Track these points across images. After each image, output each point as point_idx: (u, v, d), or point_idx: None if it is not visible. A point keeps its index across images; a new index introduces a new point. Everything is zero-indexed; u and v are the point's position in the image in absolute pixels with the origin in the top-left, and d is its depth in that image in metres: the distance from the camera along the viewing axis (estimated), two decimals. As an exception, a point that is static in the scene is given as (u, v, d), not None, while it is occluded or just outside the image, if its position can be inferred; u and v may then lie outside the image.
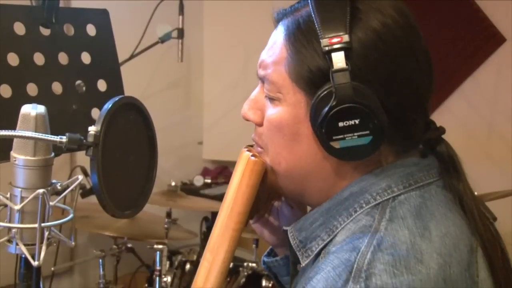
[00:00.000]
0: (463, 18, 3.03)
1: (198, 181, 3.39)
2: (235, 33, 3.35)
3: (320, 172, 0.86)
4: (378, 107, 0.78)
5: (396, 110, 0.81)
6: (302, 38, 0.83)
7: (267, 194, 1.03)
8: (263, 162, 0.91)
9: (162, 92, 3.30)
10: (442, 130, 0.90)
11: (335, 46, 0.78)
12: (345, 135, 0.79)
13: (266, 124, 0.89)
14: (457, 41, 3.05)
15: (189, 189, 3.23)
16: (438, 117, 3.26)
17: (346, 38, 0.78)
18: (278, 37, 0.87)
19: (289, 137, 0.86)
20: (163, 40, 2.70)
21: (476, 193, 1.50)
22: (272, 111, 0.87)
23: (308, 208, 1.04)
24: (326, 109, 0.78)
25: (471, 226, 0.85)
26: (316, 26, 0.80)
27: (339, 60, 0.78)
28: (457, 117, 3.05)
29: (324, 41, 0.79)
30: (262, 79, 0.89)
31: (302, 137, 0.85)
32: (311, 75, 0.81)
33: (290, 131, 0.86)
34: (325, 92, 0.79)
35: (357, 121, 0.78)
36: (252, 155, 0.92)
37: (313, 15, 0.81)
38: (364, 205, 0.82)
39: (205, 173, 3.52)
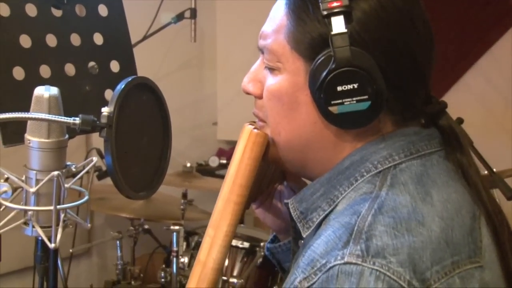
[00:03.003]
0: (480, -7, 2.98)
1: (213, 161, 3.39)
2: (248, 12, 3.31)
3: (319, 141, 0.86)
4: (377, 73, 0.78)
5: (395, 78, 0.81)
6: (302, 4, 0.83)
7: (269, 178, 1.03)
8: (265, 134, 0.91)
9: (176, 73, 3.28)
10: (443, 104, 0.89)
11: (335, 10, 0.79)
12: (343, 100, 0.79)
13: (266, 94, 0.89)
14: (473, 16, 3.00)
15: (204, 169, 3.23)
16: (455, 93, 3.21)
17: (345, 1, 0.78)
18: (279, 7, 0.87)
19: (288, 106, 0.86)
20: (175, 21, 2.69)
21: (494, 169, 1.49)
22: (272, 81, 0.88)
23: None
24: (325, 72, 0.79)
25: (473, 196, 0.85)
26: None
27: (338, 23, 0.78)
28: (474, 93, 3.02)
29: (324, 5, 0.79)
30: (262, 50, 0.90)
31: (301, 105, 0.85)
32: (311, 41, 0.82)
33: (289, 99, 0.86)
34: (324, 56, 0.79)
35: (355, 85, 0.78)
36: (254, 128, 0.91)
37: None
38: (365, 173, 0.82)
39: (220, 153, 3.52)
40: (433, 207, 0.77)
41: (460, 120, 1.14)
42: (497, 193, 1.92)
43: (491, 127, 2.89)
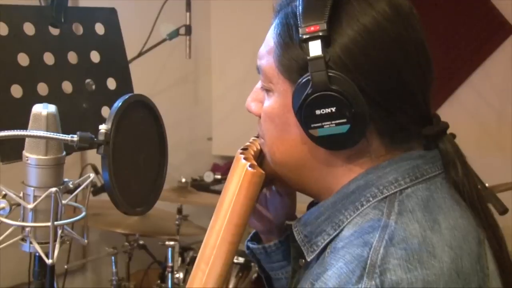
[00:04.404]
0: (471, 9, 3.01)
1: (208, 177, 3.39)
2: (243, 28, 3.34)
3: (311, 161, 0.86)
4: (357, 96, 0.78)
5: (381, 100, 0.80)
6: (287, 29, 0.84)
7: None
8: (261, 173, 0.91)
9: (171, 89, 3.30)
10: (443, 126, 0.88)
11: (312, 35, 0.79)
12: (322, 123, 0.80)
13: (262, 115, 0.91)
14: (465, 32, 3.03)
15: (199, 185, 3.23)
16: (448, 108, 3.23)
17: (323, 26, 0.78)
18: (271, 29, 0.88)
19: (280, 127, 0.87)
20: (170, 37, 2.71)
21: (487, 184, 1.50)
22: (267, 103, 0.89)
23: (297, 195, 1.03)
24: (303, 96, 0.80)
25: (476, 219, 0.85)
26: (298, 15, 0.81)
27: (315, 48, 0.79)
28: (467, 109, 3.04)
29: (302, 30, 0.80)
30: (258, 70, 0.91)
31: (291, 126, 0.86)
32: (293, 64, 0.82)
33: (280, 121, 0.87)
34: (304, 80, 0.80)
35: (333, 109, 0.79)
36: (250, 165, 0.90)
37: (298, 5, 0.82)
38: (371, 198, 0.82)
39: (215, 169, 3.52)
40: (442, 236, 0.77)
41: (452, 136, 1.15)
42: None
43: (483, 142, 2.91)
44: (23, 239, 0.95)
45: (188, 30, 2.75)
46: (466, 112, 3.01)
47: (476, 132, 2.92)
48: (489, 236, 0.85)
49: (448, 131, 0.90)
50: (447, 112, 3.15)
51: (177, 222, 2.39)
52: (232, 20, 3.43)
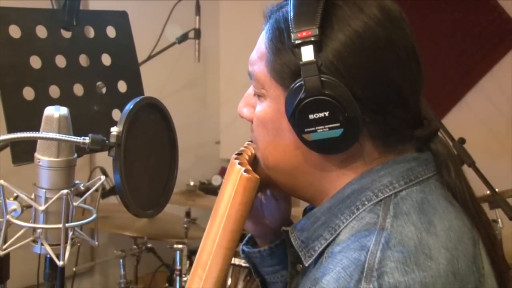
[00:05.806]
0: (481, 14, 3.01)
1: (216, 180, 3.40)
2: (251, 32, 3.33)
3: (304, 165, 0.87)
4: (349, 100, 0.78)
5: (373, 104, 0.81)
6: (278, 34, 0.84)
7: None
8: (256, 178, 0.91)
9: (179, 92, 3.31)
10: (434, 127, 0.88)
11: (304, 40, 0.79)
12: (316, 128, 0.80)
13: (254, 120, 0.91)
14: (475, 36, 3.03)
15: (207, 188, 3.24)
16: (457, 113, 3.22)
17: (315, 31, 0.79)
18: (262, 35, 0.89)
19: (273, 132, 0.87)
20: (180, 40, 2.72)
21: (497, 189, 1.50)
22: (259, 108, 0.89)
23: (293, 200, 1.03)
24: (296, 101, 0.80)
25: (470, 219, 0.85)
26: (289, 20, 0.81)
27: (307, 53, 0.79)
28: (476, 113, 3.03)
29: (294, 35, 0.80)
30: (250, 76, 0.91)
31: (284, 131, 0.86)
32: (285, 69, 0.83)
33: (273, 126, 0.87)
34: (297, 85, 0.80)
35: (326, 114, 0.79)
36: (244, 170, 0.90)
37: (289, 11, 0.82)
38: (366, 202, 0.82)
39: (222, 172, 3.51)
40: (437, 238, 0.78)
41: (462, 140, 1.15)
42: (499, 213, 1.92)
43: (493, 147, 2.90)
44: (34, 241, 0.95)
45: (198, 33, 2.76)
46: (475, 117, 3.01)
47: (486, 137, 2.91)
48: (482, 235, 0.85)
49: (457, 136, 0.90)
50: (456, 117, 3.15)
51: (185, 225, 2.39)
52: (241, 23, 3.42)
